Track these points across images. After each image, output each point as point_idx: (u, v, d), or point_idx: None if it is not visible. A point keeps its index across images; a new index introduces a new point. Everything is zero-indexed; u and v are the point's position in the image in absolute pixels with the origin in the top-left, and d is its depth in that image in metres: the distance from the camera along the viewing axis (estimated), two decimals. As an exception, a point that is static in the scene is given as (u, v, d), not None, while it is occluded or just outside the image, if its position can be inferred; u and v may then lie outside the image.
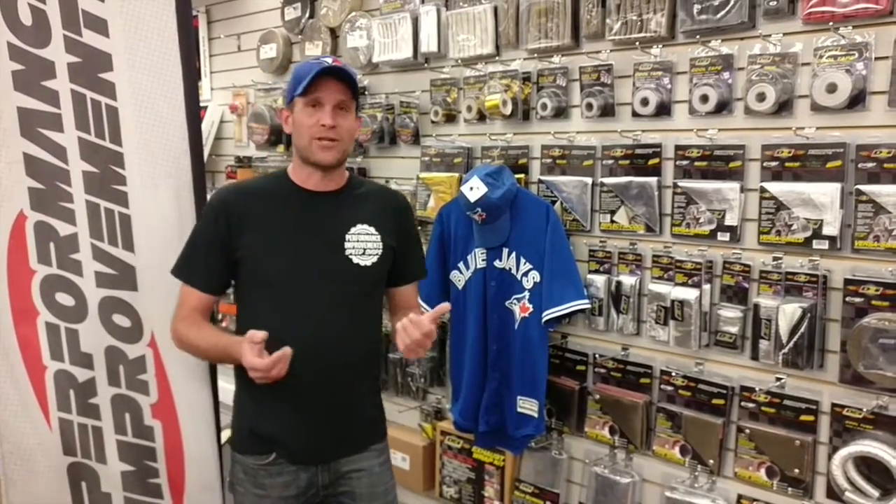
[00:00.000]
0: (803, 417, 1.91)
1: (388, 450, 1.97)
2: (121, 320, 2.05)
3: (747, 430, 2.00)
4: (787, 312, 1.88)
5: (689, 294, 2.06)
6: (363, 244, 1.81)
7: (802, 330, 1.86)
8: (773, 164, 1.92)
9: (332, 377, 1.76)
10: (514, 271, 2.35)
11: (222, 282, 1.85)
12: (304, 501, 1.84)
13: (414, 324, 1.64)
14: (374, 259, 1.81)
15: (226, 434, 2.37)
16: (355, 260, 1.79)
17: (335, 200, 1.83)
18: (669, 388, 2.16)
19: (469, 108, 2.57)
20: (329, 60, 1.74)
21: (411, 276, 1.97)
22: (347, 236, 1.80)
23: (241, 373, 1.84)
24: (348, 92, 1.74)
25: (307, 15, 3.18)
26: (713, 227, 2.03)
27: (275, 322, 1.70)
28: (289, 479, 1.81)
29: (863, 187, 1.77)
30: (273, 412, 1.79)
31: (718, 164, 2.02)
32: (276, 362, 1.59)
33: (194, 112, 2.11)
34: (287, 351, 1.60)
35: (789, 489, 1.94)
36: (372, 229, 1.83)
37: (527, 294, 2.32)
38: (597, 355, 2.34)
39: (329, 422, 1.81)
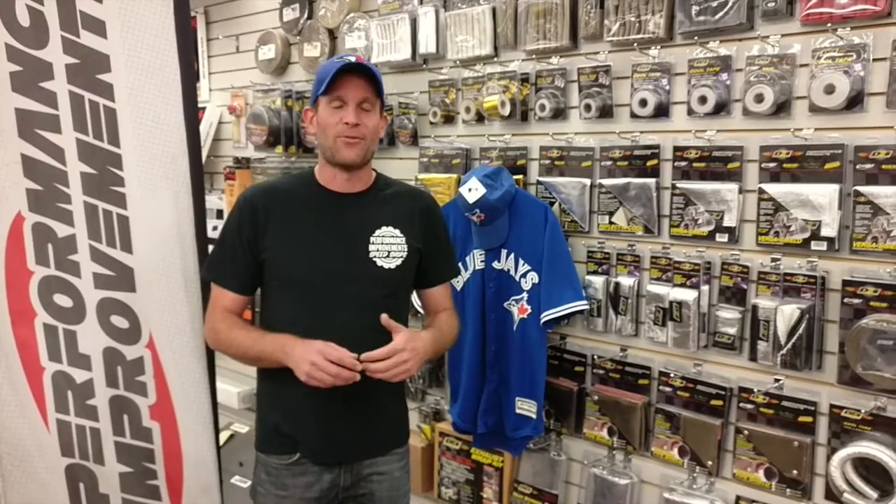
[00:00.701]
0: (802, 418, 1.91)
1: (408, 454, 1.97)
2: (119, 321, 2.05)
3: (746, 431, 2.00)
4: (786, 313, 1.88)
5: (688, 295, 2.06)
6: (387, 247, 1.80)
7: (801, 331, 1.86)
8: (772, 165, 1.92)
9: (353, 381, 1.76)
10: (512, 272, 2.35)
11: (252, 282, 1.84)
12: (325, 503, 1.84)
13: (369, 359, 1.65)
14: (399, 262, 1.81)
15: (224, 435, 2.38)
16: (379, 262, 1.79)
17: (360, 202, 1.83)
18: (668, 389, 2.16)
19: (467, 110, 2.57)
20: (352, 58, 1.73)
21: (440, 278, 1.96)
22: (372, 239, 1.79)
23: (265, 374, 1.85)
24: (372, 89, 1.74)
25: (305, 16, 3.18)
26: (711, 228, 2.04)
27: (298, 323, 1.72)
28: (311, 480, 1.81)
29: (861, 188, 1.78)
30: (298, 412, 1.80)
31: (717, 165, 2.02)
32: (348, 363, 1.62)
33: (192, 113, 2.11)
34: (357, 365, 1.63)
35: (788, 490, 1.94)
36: (397, 231, 1.82)
37: (525, 295, 2.32)
38: (595, 356, 2.34)
39: (353, 423, 1.80)
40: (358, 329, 1.73)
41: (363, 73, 1.72)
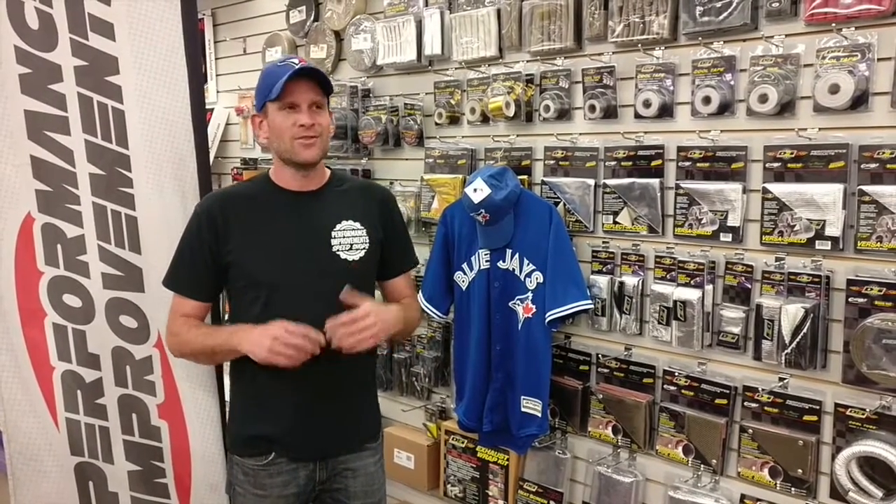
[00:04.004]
0: (806, 417, 1.91)
1: (382, 448, 1.99)
2: (127, 321, 2.07)
3: (750, 430, 2.00)
4: (790, 313, 1.88)
5: (692, 294, 2.06)
6: (350, 239, 1.83)
7: (805, 330, 1.86)
8: (776, 164, 1.92)
9: (325, 375, 1.78)
10: (517, 272, 2.36)
11: (212, 289, 1.88)
12: (303, 500, 1.87)
13: (335, 324, 1.66)
14: (362, 253, 1.84)
15: (231, 434, 2.40)
16: (343, 255, 1.81)
17: (319, 198, 1.86)
18: (672, 387, 2.16)
19: (472, 110, 2.58)
20: (296, 61, 1.74)
21: (400, 268, 1.99)
22: (334, 233, 1.82)
23: (236, 375, 1.88)
24: (320, 90, 1.76)
25: (312, 18, 3.20)
26: (715, 227, 2.04)
27: (267, 321, 1.72)
28: (288, 478, 1.83)
29: (865, 188, 1.78)
30: (269, 412, 1.82)
31: (721, 165, 2.03)
32: (312, 335, 1.64)
33: (200, 114, 2.13)
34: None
35: (792, 489, 1.94)
36: (357, 224, 1.85)
37: (530, 295, 2.33)
38: (600, 355, 2.34)
39: (325, 419, 1.83)
40: (327, 322, 1.73)
41: (311, 76, 1.74)
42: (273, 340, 1.64)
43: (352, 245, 1.83)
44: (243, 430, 1.87)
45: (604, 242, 2.32)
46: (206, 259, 1.81)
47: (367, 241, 1.85)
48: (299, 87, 1.73)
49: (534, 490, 2.49)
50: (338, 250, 1.81)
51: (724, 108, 2.01)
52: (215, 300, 1.92)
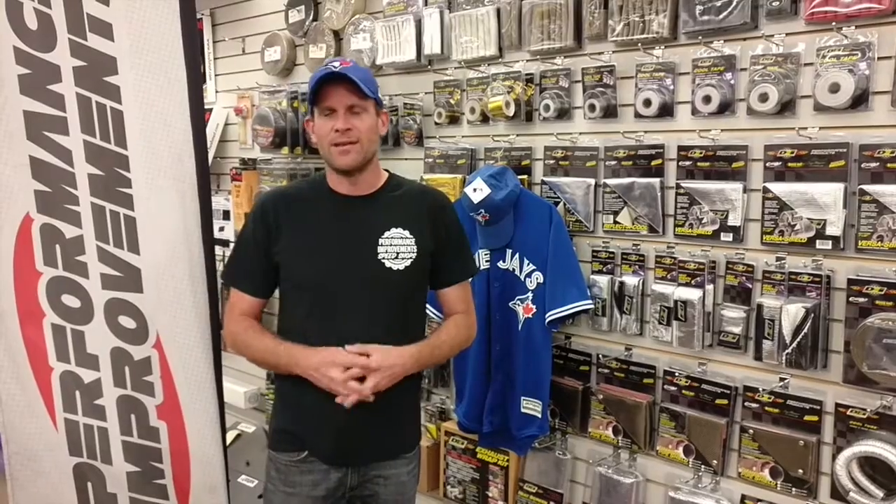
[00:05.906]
0: (807, 417, 1.91)
1: (417, 457, 1.97)
2: (126, 322, 2.06)
3: (751, 431, 2.00)
4: (791, 312, 1.88)
5: (693, 294, 2.06)
6: (396, 248, 1.80)
7: (806, 330, 1.86)
8: (776, 164, 1.92)
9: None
10: (517, 272, 2.35)
11: (268, 285, 1.88)
12: (331, 502, 1.85)
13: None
14: (408, 263, 1.80)
15: (231, 435, 2.39)
16: (388, 264, 1.79)
17: (370, 204, 1.84)
18: (673, 388, 2.16)
19: (472, 110, 2.58)
20: (336, 64, 1.73)
21: (451, 279, 1.93)
22: (381, 240, 1.79)
23: (280, 374, 1.88)
24: (358, 93, 1.73)
25: (311, 18, 3.19)
26: (716, 227, 2.04)
27: (310, 325, 1.74)
28: (318, 478, 1.82)
29: (866, 187, 1.77)
30: (309, 413, 1.81)
31: (721, 164, 2.02)
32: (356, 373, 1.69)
33: (199, 115, 2.12)
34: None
35: (793, 489, 1.94)
36: (406, 232, 1.81)
37: (530, 295, 2.33)
38: (600, 355, 2.34)
39: (364, 427, 1.80)
40: (369, 331, 1.74)
41: (346, 80, 1.71)
42: (330, 381, 1.70)
43: (398, 254, 1.80)
44: (280, 424, 1.89)
45: (604, 242, 2.31)
46: (260, 256, 1.82)
47: (415, 250, 1.81)
48: (336, 90, 1.72)
49: (534, 491, 2.49)
50: (383, 258, 1.78)
51: (725, 108, 2.00)
52: (270, 296, 1.91)
